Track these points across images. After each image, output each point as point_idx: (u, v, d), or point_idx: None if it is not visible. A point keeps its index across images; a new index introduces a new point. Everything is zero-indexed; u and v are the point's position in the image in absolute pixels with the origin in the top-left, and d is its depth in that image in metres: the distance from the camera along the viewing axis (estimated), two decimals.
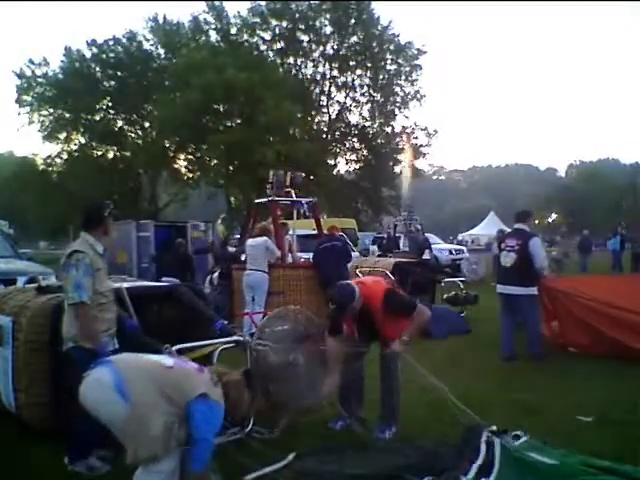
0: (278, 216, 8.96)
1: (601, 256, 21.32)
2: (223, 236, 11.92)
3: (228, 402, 2.82)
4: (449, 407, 3.69)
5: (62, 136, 31.30)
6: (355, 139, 34.90)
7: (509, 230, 8.89)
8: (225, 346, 4.02)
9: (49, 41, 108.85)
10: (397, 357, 4.04)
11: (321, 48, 33.03)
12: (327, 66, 33.32)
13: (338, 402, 4.21)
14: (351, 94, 34.04)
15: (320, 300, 8.03)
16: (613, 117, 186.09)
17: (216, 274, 9.31)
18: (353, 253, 11.83)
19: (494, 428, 3.34)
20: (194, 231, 14.34)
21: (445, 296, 9.99)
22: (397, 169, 34.98)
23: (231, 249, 10.27)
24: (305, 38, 32.79)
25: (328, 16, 32.01)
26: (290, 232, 9.19)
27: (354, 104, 34.35)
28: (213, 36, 32.55)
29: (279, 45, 33.01)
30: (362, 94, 34.07)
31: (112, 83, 31.36)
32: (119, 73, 30.99)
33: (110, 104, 31.77)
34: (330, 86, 33.94)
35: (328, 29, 32.52)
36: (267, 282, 7.72)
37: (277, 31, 32.36)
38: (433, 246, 15.52)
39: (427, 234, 17.13)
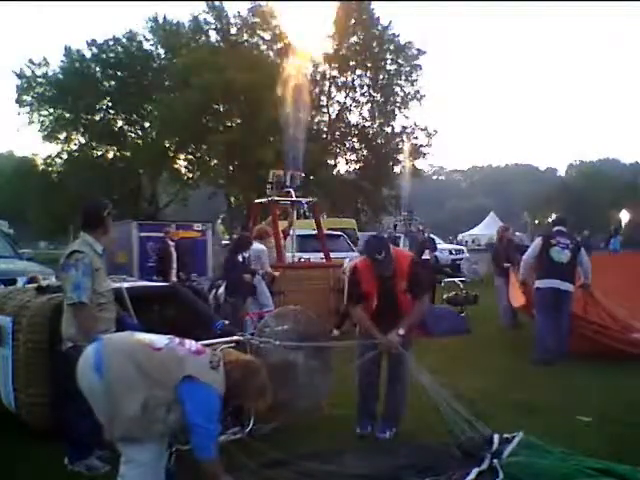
0: (278, 216, 8.98)
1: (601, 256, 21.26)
2: (222, 235, 11.74)
3: (230, 385, 2.69)
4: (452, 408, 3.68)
5: (62, 136, 31.30)
6: (355, 139, 34.87)
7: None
8: (225, 346, 4.01)
9: (49, 41, 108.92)
10: (406, 356, 3.95)
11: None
12: (327, 66, 33.33)
13: (359, 403, 4.14)
14: (351, 94, 34.02)
15: (320, 300, 8.06)
16: (613, 117, 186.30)
17: (222, 288, 7.17)
18: (353, 253, 11.85)
19: (504, 436, 3.31)
20: (181, 230, 13.91)
21: (445, 296, 10.00)
22: (397, 169, 34.99)
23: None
24: None
25: None
26: (290, 232, 9.19)
27: (354, 104, 34.34)
28: (213, 36, 32.57)
29: (279, 45, 33.00)
30: (362, 94, 34.05)
31: (112, 83, 31.34)
32: (119, 73, 30.97)
33: (110, 104, 31.75)
34: (330, 86, 33.94)
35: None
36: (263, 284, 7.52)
37: (277, 31, 32.36)
38: None
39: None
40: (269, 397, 2.83)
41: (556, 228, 6.94)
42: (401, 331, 3.89)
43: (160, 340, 2.80)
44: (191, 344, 2.84)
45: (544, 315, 6.54)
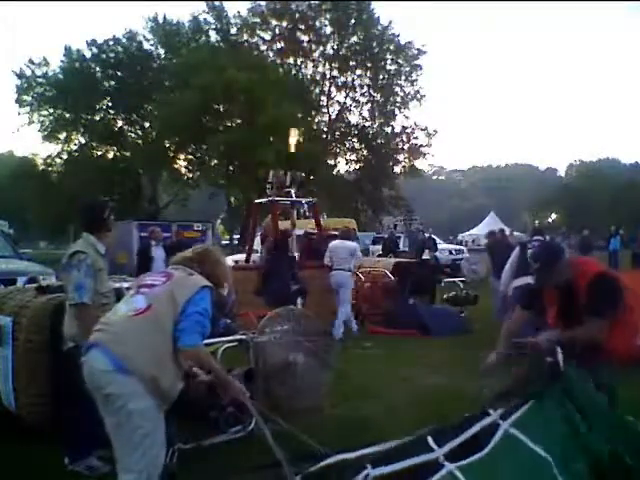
0: (278, 216, 8.97)
1: (601, 256, 21.30)
2: (222, 235, 11.75)
3: (206, 275, 2.80)
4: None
5: (62, 136, 31.28)
6: (355, 139, 34.91)
7: (508, 229, 9.08)
8: (228, 345, 4.01)
9: (49, 41, 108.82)
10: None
11: (321, 48, 33.06)
12: (327, 66, 33.35)
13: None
14: (351, 94, 34.08)
15: (320, 300, 8.07)
16: (613, 117, 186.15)
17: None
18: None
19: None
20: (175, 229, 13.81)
21: (445, 296, 9.99)
22: (397, 169, 35.02)
23: None
24: (305, 38, 32.83)
25: (328, 16, 32.04)
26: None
27: (354, 104, 34.41)
28: (213, 36, 32.64)
29: (279, 45, 33.05)
30: (362, 94, 34.11)
31: (112, 83, 31.34)
32: (119, 73, 30.97)
33: (110, 104, 31.75)
34: (330, 86, 33.97)
35: (328, 29, 32.58)
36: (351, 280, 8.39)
37: (277, 31, 32.41)
38: None
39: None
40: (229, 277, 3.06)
41: (535, 237, 7.29)
42: (550, 335, 3.19)
43: (137, 300, 2.68)
44: (155, 279, 2.79)
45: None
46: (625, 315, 3.18)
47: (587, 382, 2.83)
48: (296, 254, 9.33)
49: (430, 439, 2.41)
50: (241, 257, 11.73)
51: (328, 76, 33.56)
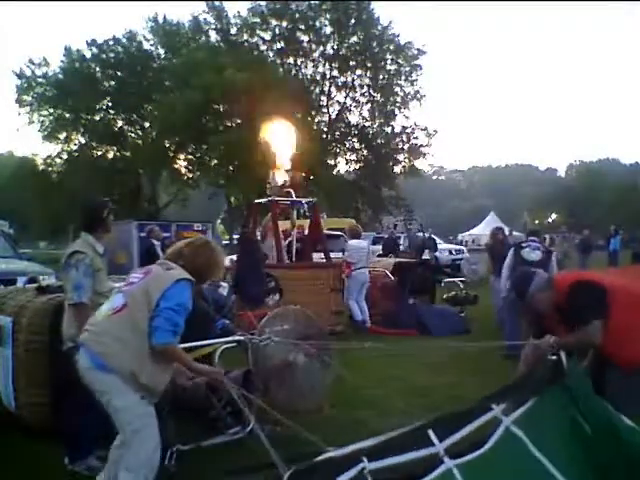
0: (278, 216, 8.97)
1: (601, 256, 21.32)
2: (222, 235, 11.76)
3: (192, 269, 2.81)
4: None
5: (62, 136, 31.26)
6: (355, 139, 34.88)
7: (507, 229, 9.11)
8: (226, 346, 4.01)
9: (49, 41, 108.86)
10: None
11: (321, 48, 33.02)
12: (327, 66, 33.32)
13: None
14: (351, 94, 34.04)
15: (320, 300, 8.06)
16: (613, 117, 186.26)
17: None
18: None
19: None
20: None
21: (445, 296, 10.00)
22: (397, 169, 35.00)
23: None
24: (305, 38, 32.80)
25: (328, 16, 32.02)
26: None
27: (354, 104, 34.36)
28: (213, 36, 32.62)
29: (279, 45, 33.02)
30: (362, 94, 34.06)
31: (112, 83, 31.32)
32: (119, 73, 30.95)
33: (110, 104, 31.72)
34: (330, 86, 33.94)
35: (328, 29, 32.53)
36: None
37: (277, 31, 32.37)
38: None
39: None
40: (221, 263, 3.06)
41: (530, 238, 7.28)
42: (551, 339, 3.12)
43: (116, 299, 2.76)
44: (136, 276, 2.85)
45: (515, 313, 6.47)
46: (627, 315, 3.08)
47: (589, 384, 2.80)
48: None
49: (431, 432, 2.35)
50: None
51: (328, 76, 33.53)
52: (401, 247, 16.82)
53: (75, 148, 32.12)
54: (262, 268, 7.51)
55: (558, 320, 3.30)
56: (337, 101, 34.45)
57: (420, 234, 16.90)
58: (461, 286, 10.15)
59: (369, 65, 32.79)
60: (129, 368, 2.57)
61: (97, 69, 30.97)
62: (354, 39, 32.69)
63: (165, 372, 2.74)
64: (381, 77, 33.11)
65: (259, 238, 8.90)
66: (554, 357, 2.80)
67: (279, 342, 3.90)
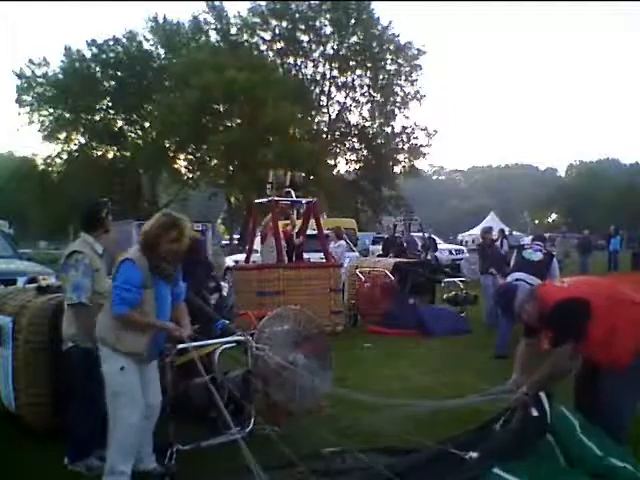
0: (278, 216, 8.97)
1: (601, 256, 21.33)
2: (222, 235, 11.79)
3: (144, 241, 3.16)
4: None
5: (62, 136, 31.29)
6: (355, 139, 34.91)
7: (507, 229, 9.12)
8: (226, 346, 4.00)
9: (49, 41, 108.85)
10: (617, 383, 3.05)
11: (321, 48, 33.05)
12: (327, 66, 33.34)
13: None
14: (351, 94, 34.07)
15: (320, 300, 8.07)
16: (613, 117, 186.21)
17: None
18: (353, 253, 11.84)
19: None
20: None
21: (445, 296, 9.99)
22: (397, 169, 35.02)
23: None
24: (305, 38, 32.84)
25: (328, 16, 32.04)
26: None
27: (354, 104, 34.40)
28: (213, 36, 32.66)
29: (279, 45, 33.04)
30: (362, 94, 34.10)
31: (112, 83, 31.34)
32: (119, 73, 30.97)
33: (110, 104, 31.75)
34: (330, 86, 33.96)
35: (328, 29, 32.56)
36: None
37: (277, 31, 32.39)
38: None
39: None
40: (182, 237, 3.19)
41: (534, 242, 7.46)
42: (525, 389, 3.13)
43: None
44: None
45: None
46: (612, 336, 3.03)
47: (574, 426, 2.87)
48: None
49: None
50: (241, 257, 11.73)
51: (328, 76, 33.56)
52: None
53: (75, 148, 32.15)
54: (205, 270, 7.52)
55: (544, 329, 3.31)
56: (337, 101, 34.53)
57: (420, 234, 16.90)
58: (461, 286, 10.13)
59: (369, 65, 32.80)
60: (110, 338, 3.13)
61: (97, 69, 31.00)
62: (354, 39, 32.71)
63: (143, 335, 3.16)
64: (381, 77, 33.14)
65: (259, 238, 8.91)
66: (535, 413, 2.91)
67: (272, 356, 3.88)
